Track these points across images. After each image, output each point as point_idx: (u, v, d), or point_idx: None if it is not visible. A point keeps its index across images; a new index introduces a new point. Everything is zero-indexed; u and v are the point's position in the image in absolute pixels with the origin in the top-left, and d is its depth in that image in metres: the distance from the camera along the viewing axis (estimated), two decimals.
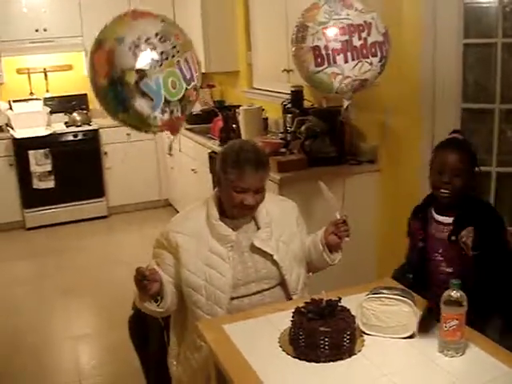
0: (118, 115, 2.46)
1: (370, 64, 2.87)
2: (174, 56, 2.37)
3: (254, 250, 2.37)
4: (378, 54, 2.89)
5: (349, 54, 2.82)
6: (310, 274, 2.63)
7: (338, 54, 2.81)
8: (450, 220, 2.51)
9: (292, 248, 2.44)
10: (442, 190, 2.48)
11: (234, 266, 2.32)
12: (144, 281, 2.10)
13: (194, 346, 2.34)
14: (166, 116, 2.40)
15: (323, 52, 2.81)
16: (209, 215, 2.37)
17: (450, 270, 2.51)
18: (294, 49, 2.96)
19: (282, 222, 2.46)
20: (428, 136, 3.51)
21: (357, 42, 2.83)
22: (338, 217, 2.43)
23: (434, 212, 2.58)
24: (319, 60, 2.83)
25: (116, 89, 2.35)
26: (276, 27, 4.77)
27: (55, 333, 4.07)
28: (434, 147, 2.71)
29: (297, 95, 4.36)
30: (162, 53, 2.35)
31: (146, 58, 2.32)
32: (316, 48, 2.82)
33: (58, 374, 3.55)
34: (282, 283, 2.41)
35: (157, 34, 2.36)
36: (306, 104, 4.37)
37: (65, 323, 4.20)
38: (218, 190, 2.40)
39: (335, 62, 2.82)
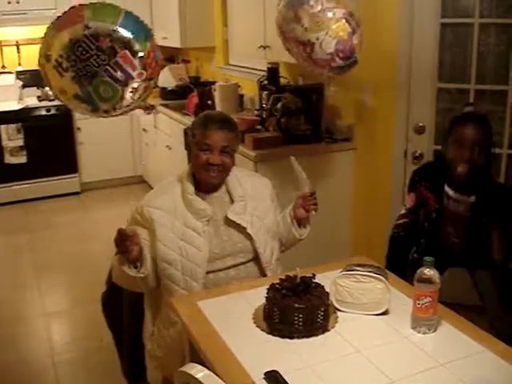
0: None
1: None
2: (99, 66, 2.39)
3: (229, 223, 2.38)
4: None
5: None
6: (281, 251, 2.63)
7: None
8: (465, 199, 2.56)
9: (265, 222, 2.46)
10: (460, 169, 2.48)
11: (209, 240, 2.33)
12: (126, 242, 2.08)
13: (168, 321, 2.34)
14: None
15: None
16: (184, 190, 2.37)
17: (457, 240, 2.62)
18: None
19: (255, 196, 2.47)
20: (403, 115, 3.52)
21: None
22: (307, 190, 2.44)
23: (448, 188, 2.61)
24: None
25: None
26: (253, 3, 4.71)
27: (28, 309, 4.03)
28: (451, 121, 2.68)
29: (273, 72, 4.34)
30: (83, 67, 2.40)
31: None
32: None
33: (30, 349, 3.53)
34: (256, 257, 2.42)
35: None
36: (282, 81, 4.35)
37: (37, 300, 4.16)
38: (191, 161, 2.42)
39: None
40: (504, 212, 2.53)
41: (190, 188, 2.37)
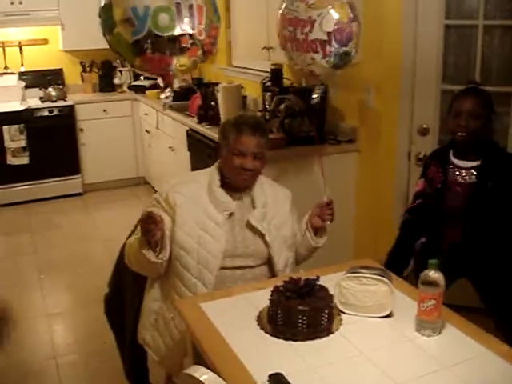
0: (106, 37, 2.54)
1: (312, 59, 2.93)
2: None
3: (247, 226, 2.39)
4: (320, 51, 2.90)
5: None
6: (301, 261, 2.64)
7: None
8: (468, 164, 2.66)
9: (282, 232, 2.46)
10: (459, 134, 2.63)
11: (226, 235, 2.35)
12: (151, 225, 2.12)
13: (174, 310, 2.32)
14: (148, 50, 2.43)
15: None
16: (210, 182, 2.40)
17: (462, 211, 2.66)
18: None
19: (275, 205, 2.49)
20: (407, 116, 3.52)
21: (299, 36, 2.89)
22: (325, 200, 2.45)
23: (452, 156, 2.72)
24: None
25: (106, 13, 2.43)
26: (256, 4, 4.72)
27: (30, 310, 4.03)
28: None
29: (276, 73, 4.33)
30: None
31: None
32: None
33: (32, 350, 3.52)
34: (266, 264, 2.43)
35: None
36: (286, 83, 4.34)
37: (40, 301, 4.16)
38: (220, 160, 2.45)
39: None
40: (508, 178, 2.63)
41: (217, 181, 2.40)
